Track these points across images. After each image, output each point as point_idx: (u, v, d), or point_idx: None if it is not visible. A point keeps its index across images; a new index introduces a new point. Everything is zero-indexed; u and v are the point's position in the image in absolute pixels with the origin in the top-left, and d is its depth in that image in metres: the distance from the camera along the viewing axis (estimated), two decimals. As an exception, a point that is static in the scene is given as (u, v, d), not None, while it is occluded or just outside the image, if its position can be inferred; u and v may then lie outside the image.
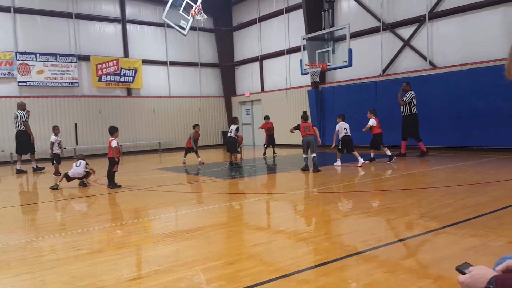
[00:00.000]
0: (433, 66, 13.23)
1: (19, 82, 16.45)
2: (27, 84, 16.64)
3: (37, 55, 16.76)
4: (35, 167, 12.61)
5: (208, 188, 8.55)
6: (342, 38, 13.76)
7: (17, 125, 12.45)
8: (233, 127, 12.39)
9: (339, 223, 5.18)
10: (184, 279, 3.29)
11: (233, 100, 22.14)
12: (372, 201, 6.29)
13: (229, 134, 12.46)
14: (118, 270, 3.60)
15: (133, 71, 19.18)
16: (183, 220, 5.82)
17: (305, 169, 9.88)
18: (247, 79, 21.39)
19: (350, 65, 12.88)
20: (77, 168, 9.06)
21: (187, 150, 12.83)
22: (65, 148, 12.23)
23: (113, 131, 8.83)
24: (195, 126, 12.99)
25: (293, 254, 3.86)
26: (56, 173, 11.17)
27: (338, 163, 10.43)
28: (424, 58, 13.49)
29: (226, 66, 21.94)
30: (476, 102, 11.69)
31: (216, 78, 22.24)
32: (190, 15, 14.09)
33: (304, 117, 10.51)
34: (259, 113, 20.42)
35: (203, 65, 21.61)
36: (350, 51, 12.82)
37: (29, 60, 16.58)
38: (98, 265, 3.78)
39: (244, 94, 21.32)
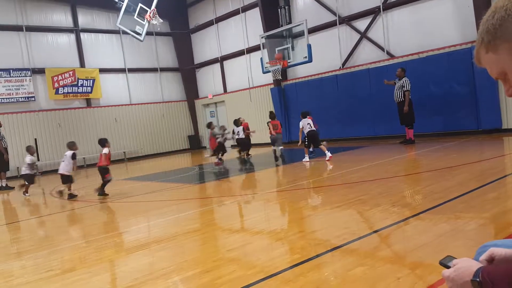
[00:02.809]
0: (391, 56, 13.59)
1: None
2: (-21, 102, 15.80)
3: (-10, 71, 15.94)
4: (4, 185, 12.31)
5: (179, 195, 8.41)
6: (301, 34, 13.89)
7: None
8: (239, 128, 12.65)
9: (312, 220, 5.21)
10: None
11: (196, 103, 21.92)
12: (343, 194, 6.36)
13: (237, 136, 12.69)
14: None
15: (91, 80, 18.61)
16: (154, 231, 5.67)
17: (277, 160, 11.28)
18: (209, 81, 21.22)
19: (310, 60, 13.05)
20: (63, 164, 9.02)
21: (217, 149, 12.56)
22: (38, 173, 11.78)
23: (104, 142, 8.86)
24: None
25: (269, 256, 3.84)
26: (26, 192, 10.65)
27: (306, 158, 10.53)
28: (382, 49, 13.84)
29: (187, 69, 21.69)
30: (434, 89, 12.11)
31: (178, 82, 21.94)
32: (145, 20, 13.84)
33: (272, 116, 11.78)
34: (223, 114, 20.34)
35: (163, 69, 21.26)
36: (309, 46, 12.98)
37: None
38: (70, 285, 3.63)
39: (207, 97, 21.15)
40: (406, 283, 2.87)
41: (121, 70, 19.77)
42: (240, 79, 19.17)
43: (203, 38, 21.03)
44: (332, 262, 3.47)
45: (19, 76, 16.70)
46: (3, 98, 16.33)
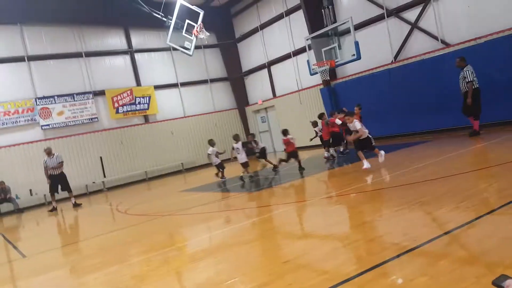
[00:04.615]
0: (446, 44, 12.89)
1: (42, 126, 17.02)
2: (50, 126, 17.20)
3: (55, 97, 17.33)
4: (55, 206, 13.35)
5: (235, 204, 8.53)
6: (347, 32, 13.60)
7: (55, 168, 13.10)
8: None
9: (372, 224, 5.00)
10: None
11: (247, 110, 22.19)
12: (404, 196, 6.06)
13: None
14: None
15: (147, 98, 19.54)
16: (212, 243, 5.77)
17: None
18: (257, 88, 21.41)
19: (358, 58, 12.73)
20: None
21: (291, 155, 11.69)
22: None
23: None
24: (285, 131, 12.01)
25: (329, 265, 3.74)
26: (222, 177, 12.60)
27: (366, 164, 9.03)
28: (435, 38, 13.17)
29: (235, 78, 22.06)
30: (497, 75, 11.27)
31: (227, 91, 22.38)
32: (193, 35, 14.24)
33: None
34: (275, 119, 20.38)
35: (213, 80, 21.79)
36: (356, 43, 12.67)
37: (48, 104, 17.15)
38: None
39: (257, 103, 21.34)
40: None
41: (174, 85, 20.56)
42: (289, 83, 19.14)
43: (249, 46, 21.29)
44: (395, 271, 3.32)
45: (82, 100, 17.95)
46: (70, 121, 17.62)
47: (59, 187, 13.28)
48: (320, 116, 12.70)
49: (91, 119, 18.16)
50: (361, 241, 4.29)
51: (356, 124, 8.91)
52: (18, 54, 16.85)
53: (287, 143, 11.39)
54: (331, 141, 12.21)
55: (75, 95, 17.78)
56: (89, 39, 18.55)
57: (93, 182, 17.68)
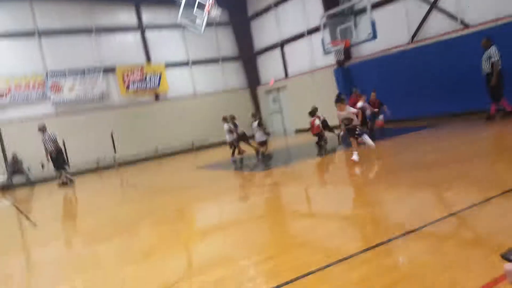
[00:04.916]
0: (465, 25, 12.45)
1: (53, 101, 17.05)
2: (61, 102, 17.23)
3: (66, 73, 17.28)
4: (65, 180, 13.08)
5: (244, 182, 8.47)
6: (364, 11, 13.19)
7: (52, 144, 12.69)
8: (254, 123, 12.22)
9: (381, 204, 4.93)
10: (228, 277, 3.24)
11: (258, 90, 21.95)
12: (414, 177, 5.93)
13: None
14: (165, 272, 3.63)
15: (158, 75, 19.40)
16: (223, 218, 5.77)
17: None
18: (270, 67, 21.10)
19: (375, 37, 12.34)
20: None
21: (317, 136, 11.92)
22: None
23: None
24: (311, 112, 11.97)
25: (336, 241, 3.71)
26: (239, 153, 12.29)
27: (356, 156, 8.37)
28: (455, 18, 12.73)
29: (247, 57, 21.75)
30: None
31: (239, 71, 22.11)
32: (205, 12, 14.00)
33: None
34: (286, 100, 20.15)
35: (225, 59, 21.52)
36: (373, 23, 12.28)
37: (59, 79, 17.12)
38: (146, 268, 3.82)
39: (268, 83, 21.08)
40: (479, 271, 2.62)
41: (185, 63, 20.36)
42: (301, 63, 18.81)
43: (262, 24, 20.90)
44: (401, 249, 3.27)
45: (93, 76, 17.88)
46: (80, 97, 17.62)
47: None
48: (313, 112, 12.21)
49: (102, 95, 18.13)
50: (367, 220, 4.25)
51: (352, 109, 8.29)
52: (28, 28, 16.77)
53: (312, 125, 11.53)
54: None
55: (85, 71, 17.72)
56: (99, 15, 18.36)
57: (104, 157, 17.74)
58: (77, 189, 12.40)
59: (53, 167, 13.06)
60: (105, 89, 18.17)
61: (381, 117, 12.34)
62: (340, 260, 3.15)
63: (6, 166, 12.85)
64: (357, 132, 8.01)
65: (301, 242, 3.88)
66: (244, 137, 12.35)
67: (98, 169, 17.42)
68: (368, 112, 11.76)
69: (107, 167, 17.66)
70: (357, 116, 8.10)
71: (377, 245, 3.33)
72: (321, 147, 11.54)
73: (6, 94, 16.16)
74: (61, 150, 13.02)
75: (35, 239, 6.28)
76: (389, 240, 3.41)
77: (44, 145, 12.61)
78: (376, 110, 12.04)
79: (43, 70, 16.94)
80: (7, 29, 16.46)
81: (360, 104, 11.40)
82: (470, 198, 4.21)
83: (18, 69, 16.44)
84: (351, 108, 8.26)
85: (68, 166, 13.38)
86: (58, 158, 12.80)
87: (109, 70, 18.33)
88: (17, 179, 15.43)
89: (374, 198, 5.26)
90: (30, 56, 16.80)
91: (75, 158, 16.74)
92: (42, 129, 12.66)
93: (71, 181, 13.06)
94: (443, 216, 3.83)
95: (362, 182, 6.45)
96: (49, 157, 12.64)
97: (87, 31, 17.98)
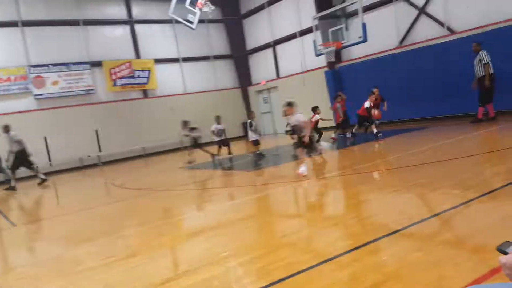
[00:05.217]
0: (452, 31, 12.59)
1: (35, 95, 16.60)
2: (44, 96, 16.79)
3: (50, 66, 16.87)
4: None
5: (234, 182, 8.38)
6: (355, 13, 13.23)
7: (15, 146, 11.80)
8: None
9: (369, 204, 4.95)
10: (216, 278, 3.20)
11: (249, 90, 21.87)
12: (401, 178, 5.97)
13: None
14: (150, 274, 3.55)
15: (147, 71, 19.15)
16: (211, 217, 5.71)
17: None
18: (261, 67, 21.06)
19: (365, 40, 12.40)
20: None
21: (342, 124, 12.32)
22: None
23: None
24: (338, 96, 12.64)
25: (324, 241, 3.72)
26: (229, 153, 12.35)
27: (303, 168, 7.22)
28: (442, 24, 12.86)
29: (239, 56, 21.66)
30: (502, 65, 10.97)
31: (231, 70, 22.00)
32: (197, 7, 13.86)
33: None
34: (277, 100, 20.10)
35: (216, 57, 21.39)
36: (364, 26, 12.33)
37: (42, 72, 16.69)
38: (131, 270, 3.73)
39: (260, 83, 21.01)
40: (466, 268, 2.66)
41: (175, 60, 20.15)
42: (293, 64, 18.81)
43: (255, 23, 20.84)
44: (389, 247, 3.29)
45: (78, 70, 17.46)
46: (65, 92, 17.17)
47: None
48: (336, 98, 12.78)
49: (87, 90, 17.77)
50: (355, 220, 4.29)
51: (299, 117, 7.28)
52: (11, 18, 16.22)
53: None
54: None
55: (71, 65, 17.29)
56: (87, 7, 17.93)
57: (88, 156, 17.37)
58: (60, 187, 12.14)
59: (8, 167, 12.27)
60: (91, 84, 17.81)
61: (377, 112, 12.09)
62: (329, 259, 3.15)
63: (18, 160, 11.99)
64: (307, 143, 7.18)
65: (289, 242, 3.86)
66: (198, 143, 12.29)
67: (81, 167, 17.09)
68: (374, 111, 11.45)
69: (91, 165, 17.34)
70: (305, 127, 7.18)
71: (364, 244, 3.36)
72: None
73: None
74: (24, 151, 11.92)
75: (13, 239, 6.08)
76: (376, 239, 3.44)
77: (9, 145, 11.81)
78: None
79: (25, 63, 16.45)
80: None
81: (366, 104, 11.23)
82: (454, 198, 4.28)
83: (0, 61, 15.95)
84: (301, 115, 7.30)
85: (33, 168, 12.33)
86: (19, 159, 11.84)
87: (95, 65, 17.98)
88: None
89: (361, 198, 5.29)
90: (12, 47, 16.28)
91: (58, 155, 16.43)
92: (5, 130, 11.80)
93: (12, 188, 11.92)
94: (428, 215, 3.92)
95: (350, 182, 6.43)
96: (9, 157, 11.87)
97: (73, 23, 17.55)
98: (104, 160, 17.82)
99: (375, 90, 11.61)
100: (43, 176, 12.32)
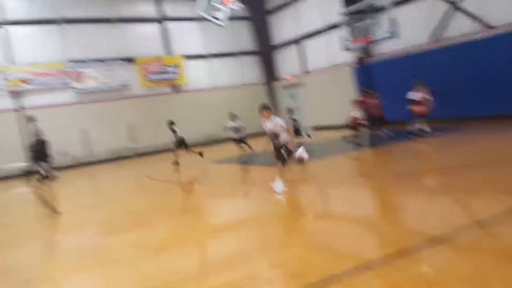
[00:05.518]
0: (489, 26, 12.23)
1: (74, 89, 17.42)
2: (82, 90, 17.58)
3: (88, 62, 17.61)
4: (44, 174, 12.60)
5: (263, 178, 8.54)
6: (385, 8, 13.03)
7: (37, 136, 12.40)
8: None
9: (409, 209, 4.87)
10: (246, 277, 3.24)
11: (275, 86, 21.95)
12: (443, 182, 5.88)
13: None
14: (182, 269, 3.67)
15: (177, 67, 19.61)
16: (242, 213, 5.80)
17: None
18: (287, 63, 21.09)
19: (396, 36, 12.27)
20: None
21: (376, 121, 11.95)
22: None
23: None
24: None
25: (360, 245, 3.67)
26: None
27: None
28: (478, 19, 12.51)
29: (265, 51, 21.76)
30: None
31: (257, 65, 22.16)
32: (225, 5, 14.03)
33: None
34: (304, 96, 20.10)
35: (242, 53, 21.62)
36: (394, 21, 12.21)
37: (81, 68, 17.45)
38: (163, 263, 3.88)
39: (286, 79, 21.07)
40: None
41: (204, 56, 20.52)
42: (320, 59, 18.76)
43: (280, 19, 20.87)
44: (431, 257, 3.18)
45: (114, 66, 18.18)
46: (101, 87, 17.94)
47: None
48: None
49: (122, 85, 18.43)
50: (386, 227, 4.16)
51: (279, 121, 6.46)
52: (52, 16, 17.11)
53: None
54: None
55: (107, 61, 18.03)
56: (121, 5, 18.64)
57: (123, 147, 18.03)
58: (97, 178, 12.67)
59: (33, 159, 12.61)
60: (125, 79, 18.45)
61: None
62: (365, 266, 3.09)
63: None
64: (283, 154, 6.34)
65: (324, 245, 3.83)
66: (183, 143, 12.28)
67: (116, 158, 17.73)
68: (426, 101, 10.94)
69: (126, 157, 17.98)
70: (284, 132, 6.41)
71: (404, 252, 3.26)
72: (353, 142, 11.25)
73: (30, 81, 16.56)
74: (44, 143, 12.48)
75: (57, 226, 6.51)
76: (414, 247, 3.34)
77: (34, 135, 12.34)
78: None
79: (65, 58, 17.26)
80: (32, 16, 16.84)
81: (419, 95, 10.83)
82: (496, 206, 4.11)
83: (41, 56, 16.83)
84: (279, 119, 6.49)
85: (50, 161, 12.77)
86: (41, 151, 12.36)
87: (130, 60, 18.59)
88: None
89: (399, 202, 5.22)
90: (53, 43, 17.15)
91: (94, 146, 17.14)
92: (30, 120, 12.36)
93: (48, 177, 12.48)
94: (469, 223, 3.75)
95: (384, 185, 6.33)
96: (32, 148, 12.32)
97: (108, 21, 18.26)
98: (138, 152, 18.44)
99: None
100: (43, 173, 12.39)
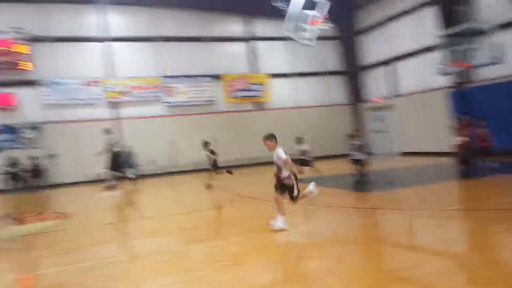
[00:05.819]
0: None
1: (166, 103, 18.72)
2: (172, 104, 18.80)
3: (179, 77, 18.84)
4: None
5: (342, 202, 8.25)
6: (486, 32, 12.06)
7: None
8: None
9: (502, 248, 4.39)
10: None
11: (361, 107, 21.34)
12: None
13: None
14: (257, 284, 3.60)
15: (262, 85, 20.10)
16: (317, 235, 5.60)
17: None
18: (375, 84, 20.41)
19: (500, 61, 11.24)
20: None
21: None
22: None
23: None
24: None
25: (446, 283, 3.37)
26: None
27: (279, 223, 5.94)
28: None
29: (352, 72, 21.36)
30: None
31: (343, 86, 21.84)
32: (314, 25, 14.04)
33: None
34: (393, 119, 19.22)
35: (329, 73, 21.49)
36: (498, 46, 11.21)
37: (173, 83, 18.72)
38: (239, 277, 3.88)
39: (374, 101, 20.38)
40: None
41: (289, 75, 20.79)
42: (411, 82, 17.87)
43: (371, 40, 20.37)
44: None
45: (202, 82, 19.25)
46: (190, 101, 19.03)
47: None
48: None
49: (209, 101, 19.32)
50: (480, 265, 3.81)
51: (280, 153, 6.00)
52: (149, 34, 18.67)
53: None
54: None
55: (196, 77, 19.11)
56: (212, 25, 19.76)
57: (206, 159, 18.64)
58: (179, 188, 13.23)
59: (110, 168, 13.10)
60: (212, 95, 19.33)
61: None
62: None
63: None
64: (289, 190, 5.73)
65: (404, 277, 3.61)
66: (215, 165, 12.42)
67: (200, 170, 18.39)
68: None
69: (206, 169, 18.54)
70: (285, 165, 5.82)
71: None
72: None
73: (127, 93, 18.08)
74: (118, 154, 13.17)
75: (139, 230, 6.88)
76: None
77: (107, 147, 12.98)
78: None
79: (159, 74, 18.64)
80: (132, 33, 18.53)
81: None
82: None
83: (137, 71, 18.39)
84: (281, 151, 6.04)
85: (124, 171, 13.49)
86: (116, 160, 13.00)
87: (216, 77, 19.51)
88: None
89: (491, 239, 4.74)
90: (149, 59, 18.66)
91: (182, 157, 18.06)
92: (108, 132, 13.08)
93: (113, 186, 12.90)
94: None
95: (481, 220, 5.80)
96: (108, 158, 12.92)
97: (200, 39, 19.41)
98: (220, 165, 18.93)
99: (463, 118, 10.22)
100: (113, 182, 12.95)
